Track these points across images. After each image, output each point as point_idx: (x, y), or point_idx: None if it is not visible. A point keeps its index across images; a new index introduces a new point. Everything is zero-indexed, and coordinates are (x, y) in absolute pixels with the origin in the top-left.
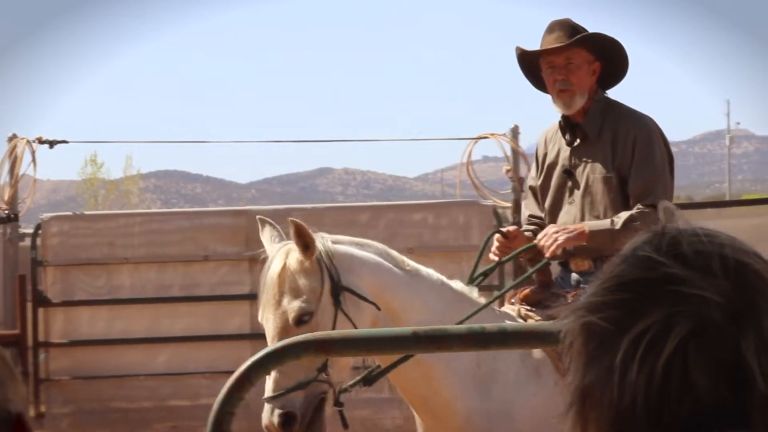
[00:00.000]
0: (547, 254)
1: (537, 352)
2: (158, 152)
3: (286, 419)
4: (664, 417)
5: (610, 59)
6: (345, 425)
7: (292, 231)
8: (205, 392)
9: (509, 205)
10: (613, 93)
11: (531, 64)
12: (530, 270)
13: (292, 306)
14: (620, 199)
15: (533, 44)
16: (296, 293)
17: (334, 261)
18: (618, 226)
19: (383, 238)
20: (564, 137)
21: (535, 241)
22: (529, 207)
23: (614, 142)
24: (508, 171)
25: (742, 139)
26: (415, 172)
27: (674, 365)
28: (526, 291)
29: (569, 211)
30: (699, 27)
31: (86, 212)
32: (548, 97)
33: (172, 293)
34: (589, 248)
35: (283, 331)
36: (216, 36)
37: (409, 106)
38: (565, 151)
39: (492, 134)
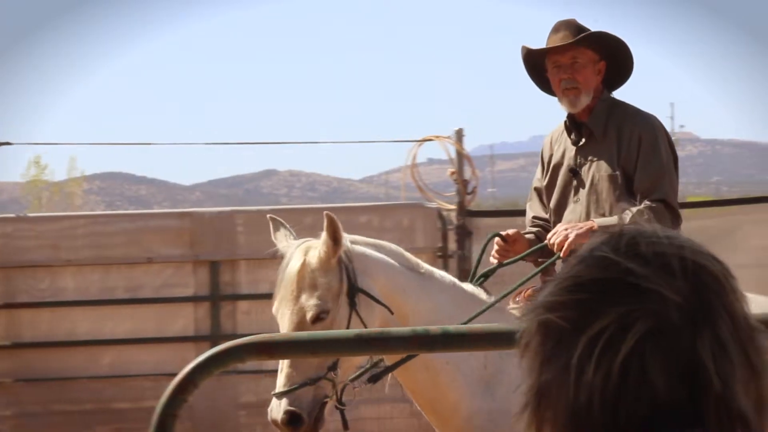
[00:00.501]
0: (562, 254)
1: None
2: (102, 154)
3: (292, 418)
4: (621, 416)
5: (615, 59)
6: (345, 426)
7: (325, 223)
8: (149, 394)
9: (454, 207)
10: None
11: (536, 64)
12: (538, 268)
13: (311, 303)
14: (625, 197)
15: (487, 45)
16: (314, 290)
17: (352, 261)
18: (626, 222)
19: None
20: (569, 136)
21: (546, 241)
22: (533, 208)
23: (619, 140)
24: (452, 173)
25: (686, 142)
26: (359, 175)
27: (631, 365)
28: (530, 291)
29: (574, 210)
30: (640, 29)
31: (30, 214)
32: (493, 99)
33: (116, 295)
34: None
35: (299, 328)
36: (160, 40)
37: (354, 108)
38: (571, 151)
39: (436, 137)
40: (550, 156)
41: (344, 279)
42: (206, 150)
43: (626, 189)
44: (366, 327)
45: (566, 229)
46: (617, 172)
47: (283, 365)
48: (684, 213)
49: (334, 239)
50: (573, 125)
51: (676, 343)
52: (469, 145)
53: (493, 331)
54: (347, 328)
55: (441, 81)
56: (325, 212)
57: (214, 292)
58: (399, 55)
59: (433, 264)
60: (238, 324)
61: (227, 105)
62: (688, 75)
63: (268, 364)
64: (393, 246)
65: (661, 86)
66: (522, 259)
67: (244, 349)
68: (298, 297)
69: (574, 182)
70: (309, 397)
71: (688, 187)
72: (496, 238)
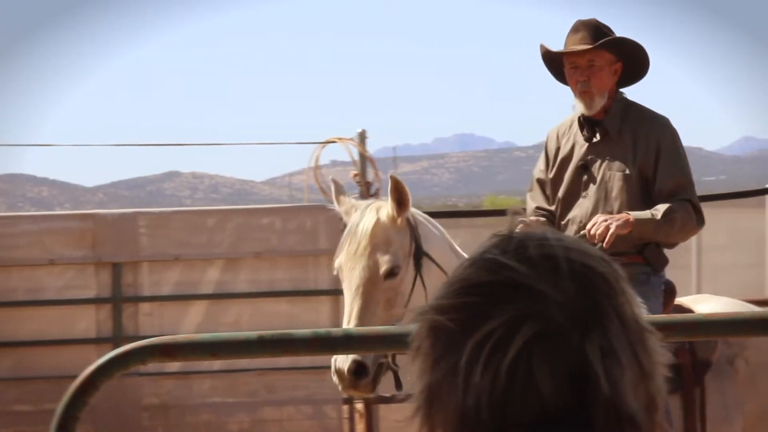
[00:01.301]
0: (606, 244)
1: None
2: (3, 155)
3: (358, 368)
4: (508, 418)
5: (631, 59)
6: (399, 387)
7: (390, 185)
8: (51, 397)
9: None
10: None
11: (554, 60)
12: None
13: (385, 259)
14: (638, 197)
15: (391, 46)
16: (388, 247)
17: (417, 226)
18: (659, 217)
19: (230, 243)
20: (582, 133)
21: (584, 231)
22: (535, 199)
23: (635, 141)
24: (355, 175)
25: None
26: (263, 176)
27: (518, 367)
28: None
29: (582, 204)
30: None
31: None
32: (397, 102)
33: (17, 297)
34: (631, 237)
35: (370, 283)
36: (60, 38)
37: (257, 110)
38: (582, 147)
39: (339, 139)
40: (557, 149)
41: (412, 241)
42: (109, 151)
43: (639, 189)
44: (425, 291)
45: (606, 221)
46: (631, 173)
47: (352, 315)
48: None
49: (398, 203)
50: (586, 122)
51: (563, 345)
52: (373, 147)
53: (392, 333)
54: (412, 289)
55: (345, 83)
56: (390, 173)
57: (116, 293)
58: (302, 57)
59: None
60: (140, 326)
61: (130, 106)
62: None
63: (171, 366)
64: (437, 223)
65: (563, 86)
66: None
67: (146, 351)
68: (372, 252)
69: (584, 177)
70: (372, 355)
71: None
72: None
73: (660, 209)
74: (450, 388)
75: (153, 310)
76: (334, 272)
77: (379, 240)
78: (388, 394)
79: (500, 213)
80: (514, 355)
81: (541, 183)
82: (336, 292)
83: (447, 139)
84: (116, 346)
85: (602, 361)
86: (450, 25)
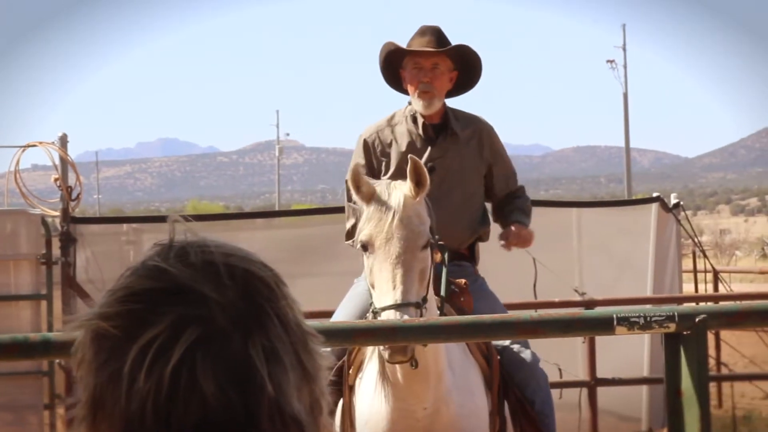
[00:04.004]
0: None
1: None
2: None
3: None
4: (173, 423)
5: (466, 69)
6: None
7: (410, 166)
8: None
9: (58, 214)
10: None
11: (393, 60)
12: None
13: (422, 230)
14: (482, 189)
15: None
16: (420, 220)
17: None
18: (529, 214)
19: None
20: (421, 134)
21: (504, 243)
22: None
23: (475, 139)
24: (56, 179)
25: (292, 150)
26: None
27: (182, 371)
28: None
29: (438, 201)
30: (252, 41)
31: None
32: (99, 105)
33: None
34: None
35: (409, 252)
36: None
37: None
38: (423, 149)
39: (40, 142)
40: (387, 155)
41: (431, 219)
42: None
43: (484, 181)
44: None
45: (518, 233)
46: (479, 166)
47: (396, 281)
48: (289, 221)
49: (417, 183)
50: (428, 125)
51: (226, 348)
52: (74, 151)
53: None
54: (431, 266)
55: (46, 85)
56: (409, 156)
57: None
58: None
59: (37, 271)
60: None
61: None
62: (293, 82)
63: None
64: None
65: (267, 93)
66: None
67: None
68: (409, 224)
69: (432, 177)
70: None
71: (294, 195)
72: None
73: (525, 209)
74: (114, 395)
75: None
76: (358, 246)
77: (411, 213)
78: None
79: (203, 218)
80: (177, 360)
81: None
82: (37, 297)
83: (150, 143)
84: None
85: (266, 363)
86: (158, 28)
